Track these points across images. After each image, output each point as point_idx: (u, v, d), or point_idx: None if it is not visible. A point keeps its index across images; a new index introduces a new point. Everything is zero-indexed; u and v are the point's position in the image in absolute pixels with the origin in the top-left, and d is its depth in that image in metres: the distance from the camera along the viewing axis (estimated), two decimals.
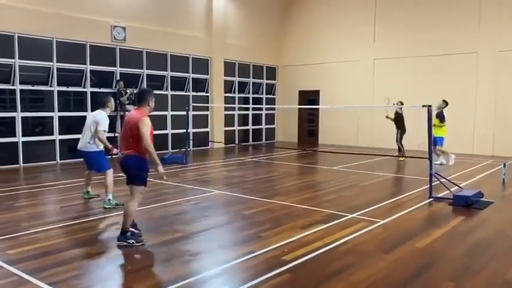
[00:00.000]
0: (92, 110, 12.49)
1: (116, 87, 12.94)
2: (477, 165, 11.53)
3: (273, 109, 19.09)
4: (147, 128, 4.80)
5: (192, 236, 5.42)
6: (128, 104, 12.87)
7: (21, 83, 11.12)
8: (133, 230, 5.02)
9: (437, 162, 11.40)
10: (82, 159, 7.19)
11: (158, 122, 14.36)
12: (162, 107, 14.54)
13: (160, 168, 4.86)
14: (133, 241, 4.92)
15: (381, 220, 6.01)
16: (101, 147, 6.89)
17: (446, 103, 11.72)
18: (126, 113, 12.87)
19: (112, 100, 7.11)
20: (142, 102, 5.02)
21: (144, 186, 5.06)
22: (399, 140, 12.62)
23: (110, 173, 6.87)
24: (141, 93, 5.24)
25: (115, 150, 6.97)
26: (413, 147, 14.00)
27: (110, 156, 7.29)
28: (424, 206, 7.00)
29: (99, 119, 6.72)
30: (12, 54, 10.93)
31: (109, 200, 6.78)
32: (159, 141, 14.35)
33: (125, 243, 4.89)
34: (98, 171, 7.08)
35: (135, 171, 4.94)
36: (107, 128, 6.77)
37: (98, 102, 7.38)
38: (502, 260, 4.61)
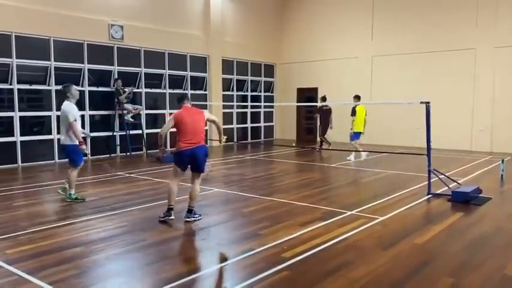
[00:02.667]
0: (89, 109, 12.55)
1: (114, 86, 12.93)
2: (475, 162, 11.55)
3: (272, 107, 19.09)
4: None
5: (191, 234, 5.43)
6: (126, 103, 12.86)
7: (18, 82, 11.10)
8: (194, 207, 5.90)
9: (348, 158, 12.04)
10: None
11: (156, 121, 14.39)
12: (160, 106, 14.53)
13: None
14: (198, 215, 5.84)
15: (380, 217, 6.02)
16: (75, 141, 6.87)
17: (357, 98, 12.12)
18: (124, 111, 12.87)
19: (72, 88, 7.05)
20: (185, 101, 5.97)
21: (206, 171, 6.26)
22: (322, 133, 13.83)
23: (78, 169, 7.06)
24: (184, 94, 6.50)
25: (83, 147, 7.02)
26: (412, 143, 14.04)
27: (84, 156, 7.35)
28: (423, 203, 7.02)
29: (66, 111, 6.79)
30: (9, 53, 10.90)
31: (70, 194, 6.97)
32: (158, 140, 14.34)
33: (193, 219, 5.78)
34: (72, 164, 7.07)
35: (204, 159, 5.86)
36: (77, 117, 6.87)
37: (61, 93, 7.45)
38: (500, 255, 4.62)
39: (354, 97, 12.22)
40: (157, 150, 5.93)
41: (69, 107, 6.86)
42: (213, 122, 6.12)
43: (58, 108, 11.82)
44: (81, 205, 6.81)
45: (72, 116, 6.79)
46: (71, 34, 11.97)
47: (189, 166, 5.87)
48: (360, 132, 12.09)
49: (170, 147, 14.31)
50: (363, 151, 11.89)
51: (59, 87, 11.66)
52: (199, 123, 5.82)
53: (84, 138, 7.61)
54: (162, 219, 5.80)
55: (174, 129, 5.88)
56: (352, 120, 12.04)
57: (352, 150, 11.94)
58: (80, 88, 12.33)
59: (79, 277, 4.01)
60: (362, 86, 16.27)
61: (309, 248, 4.73)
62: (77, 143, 6.88)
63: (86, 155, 7.19)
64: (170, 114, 14.35)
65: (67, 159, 7.27)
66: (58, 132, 11.81)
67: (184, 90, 15.17)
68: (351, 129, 12.12)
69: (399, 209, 6.53)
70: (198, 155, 5.76)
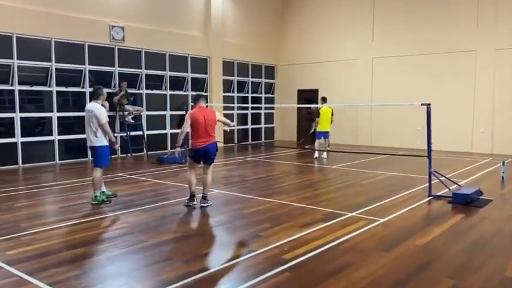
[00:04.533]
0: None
1: (114, 87, 12.93)
2: (476, 163, 11.54)
3: (272, 108, 19.10)
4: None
5: (191, 235, 5.42)
6: (126, 104, 12.86)
7: (19, 83, 11.11)
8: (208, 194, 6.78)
9: (318, 156, 12.69)
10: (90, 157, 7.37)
11: (157, 122, 14.40)
12: (161, 107, 14.54)
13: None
14: (210, 201, 6.70)
15: (381, 218, 6.02)
16: (105, 141, 6.89)
17: (323, 100, 12.99)
18: (125, 113, 12.88)
19: (104, 91, 7.14)
20: (202, 100, 6.74)
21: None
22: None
23: (102, 170, 7.01)
24: (199, 94, 7.07)
25: (116, 146, 7.05)
26: (413, 145, 14.05)
27: (111, 155, 7.33)
28: (424, 204, 7.01)
29: (97, 113, 6.76)
30: (10, 54, 10.91)
31: (96, 196, 6.88)
32: (158, 141, 14.37)
33: (207, 204, 6.62)
34: (97, 164, 7.02)
35: (215, 153, 6.73)
36: (107, 119, 6.91)
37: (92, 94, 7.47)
38: (501, 257, 4.61)
39: (321, 99, 13.23)
40: (174, 150, 6.49)
41: (99, 108, 6.86)
42: (223, 122, 7.04)
43: (59, 109, 11.93)
44: (82, 206, 6.81)
45: (105, 117, 6.83)
46: (72, 35, 11.99)
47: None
48: (323, 132, 12.67)
49: (170, 149, 14.33)
50: (324, 150, 12.80)
51: (59, 88, 11.83)
52: (211, 123, 6.57)
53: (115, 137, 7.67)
54: (186, 204, 6.71)
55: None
56: (316, 121, 12.86)
57: (322, 150, 12.79)
58: (80, 89, 12.38)
59: (79, 278, 4.01)
60: (363, 88, 16.30)
61: (310, 249, 4.72)
62: (106, 144, 6.91)
63: (116, 151, 7.28)
64: (170, 115, 14.64)
65: (92, 159, 7.28)
66: (60, 134, 11.89)
67: (185, 91, 15.19)
68: (315, 129, 13.04)
69: (400, 210, 6.52)
70: (210, 151, 6.65)
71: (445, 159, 11.96)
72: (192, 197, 6.70)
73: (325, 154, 12.87)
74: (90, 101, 7.19)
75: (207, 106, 6.73)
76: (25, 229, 5.53)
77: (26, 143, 11.28)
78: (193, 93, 15.43)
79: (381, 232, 5.47)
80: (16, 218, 6.15)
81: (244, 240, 5.17)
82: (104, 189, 7.20)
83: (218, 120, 6.74)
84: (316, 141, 12.84)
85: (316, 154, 12.76)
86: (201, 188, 6.81)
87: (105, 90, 7.28)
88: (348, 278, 4.01)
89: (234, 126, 7.45)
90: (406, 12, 15.34)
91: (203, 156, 6.69)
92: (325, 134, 12.73)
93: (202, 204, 6.62)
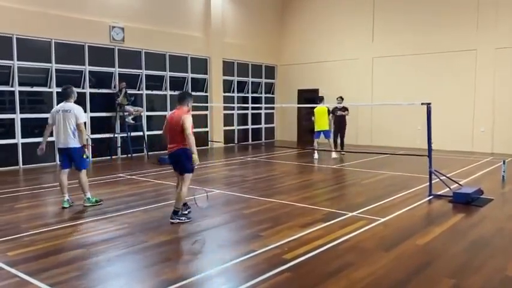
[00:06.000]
0: (91, 111, 12.54)
1: (114, 88, 12.94)
2: (476, 163, 11.53)
3: (272, 108, 19.10)
4: (189, 123, 5.79)
5: (192, 235, 5.42)
6: (126, 105, 12.87)
7: (20, 84, 11.12)
8: (180, 209, 5.93)
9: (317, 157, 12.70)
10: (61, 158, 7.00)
11: (157, 123, 14.39)
12: (161, 107, 14.55)
13: (195, 156, 5.73)
14: (184, 218, 5.88)
15: (381, 218, 6.01)
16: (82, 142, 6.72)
17: (320, 100, 13.07)
18: (125, 113, 12.88)
19: (75, 90, 7.01)
20: (183, 102, 6.00)
21: (192, 172, 6.00)
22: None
23: (85, 171, 6.87)
24: (182, 94, 6.19)
25: (87, 153, 6.89)
26: (413, 145, 14.04)
27: (86, 157, 6.96)
28: (424, 204, 7.01)
29: (76, 112, 6.65)
30: (11, 55, 10.92)
31: (88, 198, 6.82)
32: (159, 142, 14.36)
33: (178, 220, 5.81)
34: (79, 167, 6.79)
35: (184, 162, 5.87)
36: (85, 119, 6.78)
37: (62, 94, 7.06)
38: (502, 256, 4.61)
39: (317, 98, 13.32)
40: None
41: (78, 107, 6.78)
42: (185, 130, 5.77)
43: None
44: (82, 207, 6.80)
45: (83, 116, 6.73)
46: (72, 36, 12.00)
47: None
48: (320, 131, 12.67)
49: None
50: (335, 151, 12.86)
51: (59, 89, 11.80)
52: (176, 127, 5.85)
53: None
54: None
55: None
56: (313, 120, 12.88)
57: (331, 150, 12.79)
58: (80, 90, 12.37)
59: (80, 279, 4.01)
60: (363, 87, 16.29)
61: (310, 249, 4.72)
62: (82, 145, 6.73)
63: (87, 157, 7.02)
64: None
65: (72, 163, 6.81)
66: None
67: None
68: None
69: (400, 210, 6.52)
70: (177, 158, 5.96)
71: (445, 159, 11.95)
72: (184, 205, 6.07)
73: (334, 154, 12.81)
74: (62, 101, 6.90)
75: (185, 108, 5.99)
76: (26, 230, 5.53)
77: (27, 143, 11.29)
78: (193, 93, 15.48)
79: (381, 232, 5.47)
80: (17, 219, 6.15)
81: (244, 240, 5.17)
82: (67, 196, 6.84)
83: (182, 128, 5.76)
84: (315, 141, 12.86)
85: (316, 155, 12.71)
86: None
87: (75, 89, 7.05)
88: (348, 278, 4.01)
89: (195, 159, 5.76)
90: (406, 12, 15.32)
91: (174, 163, 6.12)
92: (326, 133, 12.69)
93: (172, 220, 5.81)
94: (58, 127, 6.72)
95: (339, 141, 13.39)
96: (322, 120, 12.62)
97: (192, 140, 5.74)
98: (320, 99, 13.04)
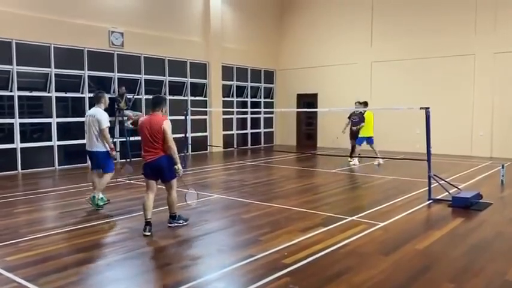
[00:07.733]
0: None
1: (114, 92, 12.94)
2: (475, 167, 11.54)
3: (272, 113, 19.12)
4: (170, 130, 5.55)
5: (191, 240, 5.41)
6: (126, 109, 12.86)
7: (19, 89, 11.12)
8: (176, 213, 5.88)
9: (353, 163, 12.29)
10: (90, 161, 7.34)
11: None
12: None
13: (180, 166, 5.59)
14: (181, 221, 5.87)
15: (381, 222, 6.01)
16: (107, 147, 6.94)
17: (364, 104, 12.54)
18: (124, 118, 12.88)
19: (106, 95, 7.22)
20: (158, 107, 5.73)
21: (176, 177, 5.77)
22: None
23: (111, 175, 7.06)
24: (158, 98, 5.90)
25: (114, 153, 7.05)
26: (412, 149, 14.05)
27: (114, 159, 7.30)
28: (424, 208, 7.01)
29: (99, 117, 6.79)
30: (10, 60, 10.93)
31: (94, 196, 6.91)
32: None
33: (176, 224, 5.81)
34: (105, 170, 7.08)
35: (168, 169, 5.62)
36: (109, 124, 6.94)
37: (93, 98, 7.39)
38: (501, 260, 4.61)
39: (362, 103, 12.53)
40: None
41: (103, 113, 6.91)
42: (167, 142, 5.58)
43: (58, 115, 11.92)
44: (81, 212, 6.80)
45: (106, 122, 6.88)
46: (71, 41, 12.02)
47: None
48: (365, 137, 12.18)
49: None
50: (356, 156, 12.42)
51: (58, 94, 11.83)
52: (156, 133, 5.61)
53: (114, 144, 7.61)
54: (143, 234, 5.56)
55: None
56: (361, 126, 12.20)
57: (375, 157, 12.18)
58: (80, 95, 12.38)
59: (79, 284, 4.00)
60: (361, 92, 16.28)
61: (309, 254, 4.72)
62: (108, 149, 6.97)
63: (115, 159, 7.22)
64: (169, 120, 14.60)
65: (98, 166, 7.12)
66: (59, 139, 11.85)
67: (184, 96, 15.21)
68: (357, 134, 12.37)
69: (400, 214, 6.52)
70: (161, 166, 5.68)
71: (444, 163, 11.96)
72: (147, 224, 5.54)
73: (379, 160, 12.17)
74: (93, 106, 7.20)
75: (160, 113, 5.74)
76: (24, 235, 5.52)
77: (26, 148, 11.27)
78: (192, 98, 15.47)
79: (380, 236, 5.47)
80: (15, 224, 6.14)
81: (244, 244, 5.16)
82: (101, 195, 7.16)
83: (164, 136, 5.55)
84: (356, 146, 12.31)
85: (356, 161, 12.29)
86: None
87: (107, 95, 7.31)
88: (348, 282, 4.00)
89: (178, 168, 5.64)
90: (404, 16, 15.38)
91: (155, 173, 5.73)
92: (369, 139, 12.21)
93: (170, 225, 5.82)
94: (88, 131, 7.01)
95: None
96: (368, 126, 12.20)
97: (175, 148, 5.55)
98: (365, 104, 12.51)
